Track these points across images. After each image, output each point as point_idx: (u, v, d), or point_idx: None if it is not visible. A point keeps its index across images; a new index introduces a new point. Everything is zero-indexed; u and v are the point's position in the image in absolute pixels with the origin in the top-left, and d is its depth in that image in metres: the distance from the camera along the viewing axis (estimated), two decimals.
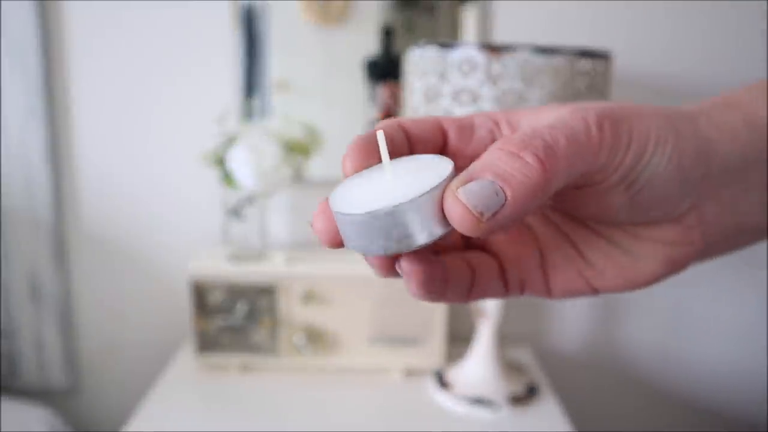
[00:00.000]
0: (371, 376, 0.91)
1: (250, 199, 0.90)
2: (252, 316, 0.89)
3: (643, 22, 0.95)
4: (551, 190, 0.19)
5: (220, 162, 0.87)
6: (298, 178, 0.96)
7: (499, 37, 0.95)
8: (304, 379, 0.90)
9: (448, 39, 0.95)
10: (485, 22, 0.94)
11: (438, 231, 0.18)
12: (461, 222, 0.18)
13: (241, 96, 0.96)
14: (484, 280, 0.23)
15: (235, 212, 0.90)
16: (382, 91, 0.94)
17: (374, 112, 0.97)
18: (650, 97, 0.95)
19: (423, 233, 0.18)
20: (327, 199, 0.20)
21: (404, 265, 0.20)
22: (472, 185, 0.18)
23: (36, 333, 1.04)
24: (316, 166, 0.97)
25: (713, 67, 0.96)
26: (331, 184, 1.01)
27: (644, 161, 0.21)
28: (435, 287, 0.20)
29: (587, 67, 0.70)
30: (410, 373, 0.92)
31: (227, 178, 0.87)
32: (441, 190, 0.18)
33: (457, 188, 0.18)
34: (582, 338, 1.09)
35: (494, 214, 0.18)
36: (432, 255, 0.21)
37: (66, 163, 1.00)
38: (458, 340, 0.99)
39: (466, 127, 0.22)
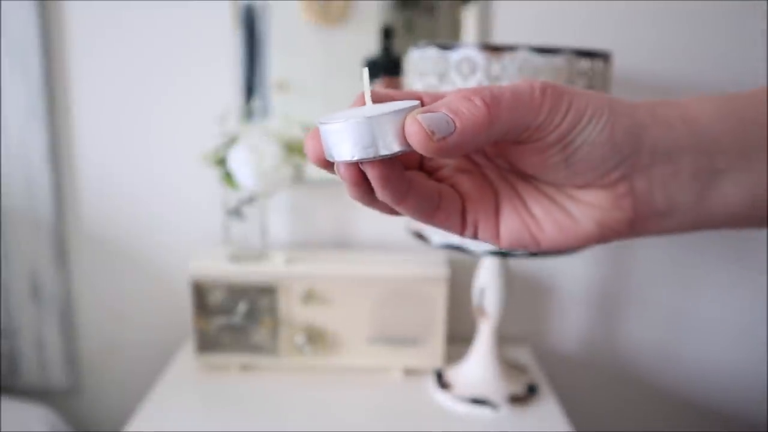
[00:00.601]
0: (371, 376, 0.91)
1: (250, 199, 0.90)
2: (252, 316, 0.90)
3: (643, 22, 0.95)
4: (493, 131, 0.24)
5: (220, 162, 0.87)
6: (298, 178, 0.96)
7: (499, 37, 0.95)
8: (304, 379, 0.90)
9: (448, 39, 0.95)
10: (485, 23, 0.94)
11: (397, 147, 0.23)
12: (416, 137, 0.23)
13: (241, 96, 0.96)
14: (448, 209, 0.28)
15: (236, 212, 0.90)
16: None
17: None
18: (649, 97, 0.95)
19: (385, 146, 0.23)
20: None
21: (368, 168, 0.24)
22: (429, 114, 0.23)
23: (36, 333, 1.04)
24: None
25: (713, 67, 0.96)
26: (331, 184, 1.01)
27: (579, 128, 0.25)
28: (393, 187, 0.25)
29: (586, 67, 0.70)
30: (410, 373, 0.92)
31: (227, 178, 0.87)
32: (405, 115, 0.23)
33: (418, 113, 0.23)
34: (581, 338, 1.10)
35: (444, 138, 0.23)
36: (400, 167, 0.25)
37: (66, 163, 1.00)
38: (458, 340, 1.00)
39: (439, 97, 0.27)
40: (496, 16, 0.95)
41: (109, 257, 1.04)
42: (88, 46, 0.96)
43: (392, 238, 1.03)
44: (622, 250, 1.05)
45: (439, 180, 0.29)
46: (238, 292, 0.89)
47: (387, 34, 0.94)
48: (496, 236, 0.29)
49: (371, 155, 0.23)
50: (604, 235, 0.28)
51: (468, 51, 0.69)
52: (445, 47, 0.70)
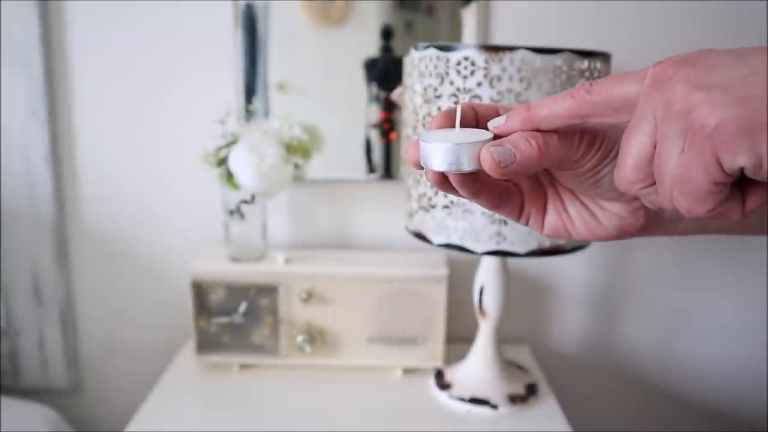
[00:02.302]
0: (371, 376, 0.92)
1: (250, 199, 0.90)
2: (253, 315, 0.90)
3: (643, 22, 0.95)
4: (543, 163, 0.32)
5: (221, 162, 0.87)
6: (298, 178, 0.96)
7: (499, 37, 0.95)
8: (304, 379, 0.91)
9: (448, 39, 0.95)
10: (485, 23, 0.94)
11: (474, 167, 0.32)
12: (488, 164, 0.31)
13: (241, 96, 0.97)
14: (511, 203, 0.37)
15: (236, 212, 0.91)
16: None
17: (375, 112, 0.97)
18: None
19: (465, 165, 0.32)
20: (418, 137, 0.33)
21: (450, 176, 0.33)
22: (499, 147, 0.32)
23: (38, 332, 1.04)
24: (316, 166, 0.98)
25: None
26: (331, 183, 1.01)
27: (606, 162, 0.33)
28: (468, 188, 0.34)
29: (586, 68, 0.70)
30: (410, 372, 0.93)
31: (228, 178, 0.87)
32: (481, 145, 0.32)
33: (490, 146, 0.32)
34: (581, 338, 1.10)
35: (507, 165, 0.31)
36: (474, 175, 0.34)
37: (67, 163, 1.01)
38: (458, 340, 1.00)
39: (509, 131, 0.35)
40: (496, 16, 0.95)
41: (110, 257, 1.04)
42: (89, 47, 0.96)
43: (392, 238, 1.03)
44: (622, 251, 1.06)
45: (506, 181, 0.38)
46: (238, 291, 0.89)
47: (387, 34, 0.94)
48: (541, 226, 0.38)
49: (453, 170, 0.32)
50: (620, 236, 0.37)
51: (468, 51, 0.69)
52: (444, 48, 0.70)
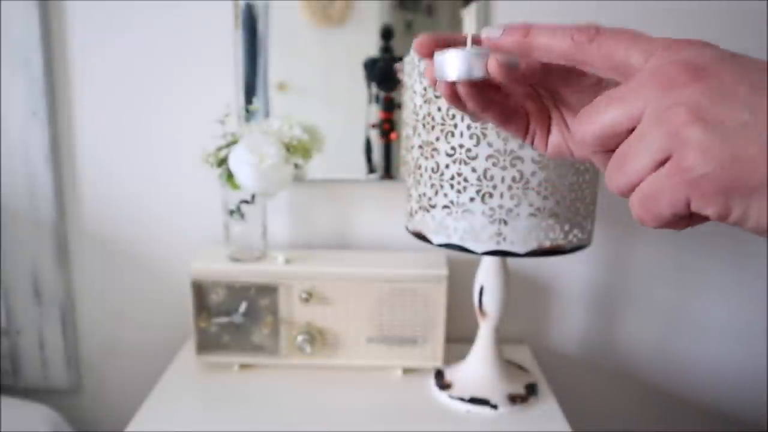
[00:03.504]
0: (372, 376, 0.92)
1: (251, 199, 0.90)
2: (253, 315, 0.90)
3: (643, 22, 0.95)
4: (547, 71, 0.34)
5: (221, 162, 0.87)
6: (298, 178, 0.96)
7: None
8: (304, 379, 0.91)
9: None
10: (485, 23, 0.94)
11: (484, 74, 0.34)
12: (495, 68, 0.33)
13: (241, 96, 0.97)
14: (517, 121, 0.40)
15: (236, 212, 0.91)
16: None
17: (375, 112, 0.97)
18: None
19: (476, 71, 0.34)
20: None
21: (460, 86, 0.36)
22: (507, 55, 0.34)
23: (38, 332, 1.04)
24: (316, 166, 0.98)
25: None
26: (331, 183, 1.01)
27: (607, 80, 0.34)
28: (477, 101, 0.36)
29: None
30: (410, 372, 0.93)
31: (228, 179, 0.87)
32: (489, 54, 0.34)
33: (499, 55, 0.34)
34: (580, 338, 1.10)
35: (513, 70, 0.33)
36: (481, 88, 0.37)
37: (68, 163, 1.01)
38: (458, 340, 1.00)
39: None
40: (496, 16, 0.95)
41: (110, 257, 1.04)
42: (90, 47, 0.97)
43: (392, 238, 1.03)
44: (622, 250, 1.06)
45: (512, 101, 0.41)
46: (238, 291, 0.89)
47: (387, 34, 0.94)
48: (545, 146, 0.40)
49: (465, 77, 0.34)
50: None
51: None
52: None
